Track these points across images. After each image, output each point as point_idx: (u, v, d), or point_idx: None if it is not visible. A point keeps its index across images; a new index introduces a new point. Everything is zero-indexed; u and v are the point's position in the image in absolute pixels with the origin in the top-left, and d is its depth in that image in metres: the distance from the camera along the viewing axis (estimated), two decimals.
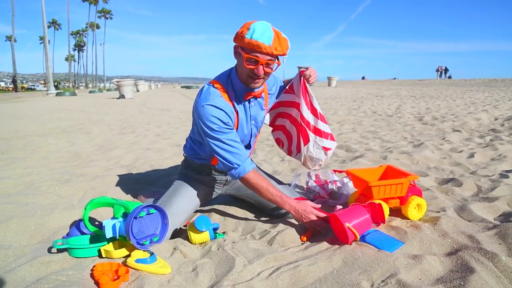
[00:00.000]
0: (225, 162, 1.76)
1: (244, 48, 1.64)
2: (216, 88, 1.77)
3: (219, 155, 1.76)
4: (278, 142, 2.29)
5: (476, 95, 11.78)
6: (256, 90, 1.82)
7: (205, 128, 1.71)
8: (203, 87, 1.81)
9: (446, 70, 35.10)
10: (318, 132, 2.00)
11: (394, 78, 43.24)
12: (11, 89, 45.28)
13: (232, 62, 1.83)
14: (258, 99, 1.91)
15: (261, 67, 1.65)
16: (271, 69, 1.71)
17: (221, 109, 1.71)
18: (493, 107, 7.53)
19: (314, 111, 1.98)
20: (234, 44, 1.70)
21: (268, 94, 2.03)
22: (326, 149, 2.03)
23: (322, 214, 1.81)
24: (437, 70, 35.16)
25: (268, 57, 1.64)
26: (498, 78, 26.46)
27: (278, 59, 1.69)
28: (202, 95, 1.75)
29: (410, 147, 3.88)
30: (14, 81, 46.57)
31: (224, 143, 1.73)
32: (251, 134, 2.00)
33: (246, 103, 1.86)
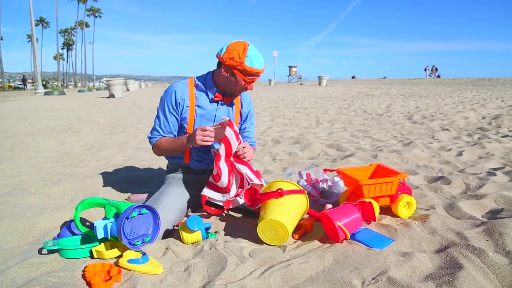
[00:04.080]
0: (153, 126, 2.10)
1: (244, 72, 1.90)
2: (187, 80, 2.08)
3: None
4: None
5: (464, 94, 11.95)
6: (227, 96, 2.07)
7: (162, 97, 2.06)
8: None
9: (436, 69, 35.49)
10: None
11: (384, 77, 43.57)
12: None
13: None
14: (227, 105, 2.12)
15: (252, 84, 1.99)
16: None
17: (175, 92, 2.02)
18: (481, 106, 7.66)
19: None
20: (227, 63, 1.88)
21: (241, 111, 2.20)
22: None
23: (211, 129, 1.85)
24: (425, 70, 35.55)
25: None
26: (486, 77, 26.89)
27: None
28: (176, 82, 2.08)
29: (400, 146, 3.93)
30: (24, 80, 46.49)
31: (159, 114, 2.07)
32: None
33: (214, 103, 2.08)
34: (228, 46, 1.88)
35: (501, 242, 1.55)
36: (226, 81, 1.98)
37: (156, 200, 1.98)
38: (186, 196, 2.07)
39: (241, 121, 2.22)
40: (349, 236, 1.65)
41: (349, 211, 1.72)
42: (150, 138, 2.11)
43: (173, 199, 1.99)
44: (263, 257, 1.57)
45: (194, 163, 2.15)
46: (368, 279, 1.37)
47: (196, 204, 2.15)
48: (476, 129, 4.88)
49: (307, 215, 1.94)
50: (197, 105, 2.05)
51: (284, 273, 1.43)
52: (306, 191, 1.90)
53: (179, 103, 2.02)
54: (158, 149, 2.11)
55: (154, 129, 2.10)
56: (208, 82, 2.05)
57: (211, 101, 2.06)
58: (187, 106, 2.03)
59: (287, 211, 1.72)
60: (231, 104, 2.14)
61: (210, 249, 1.65)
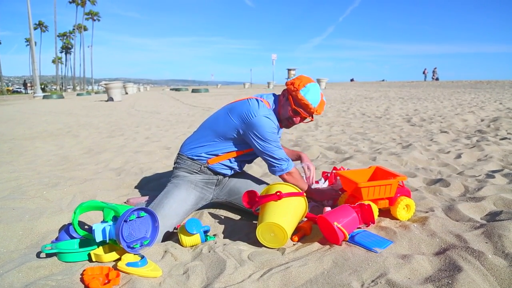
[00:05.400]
0: (275, 159, 2.02)
1: (295, 99, 2.00)
2: (266, 106, 2.05)
3: (270, 155, 2.01)
4: None
5: (463, 96, 11.98)
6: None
7: (264, 134, 1.97)
8: (257, 100, 2.03)
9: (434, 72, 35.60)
10: None
11: (383, 80, 43.65)
12: None
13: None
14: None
15: (299, 119, 2.06)
16: (304, 122, 2.14)
17: (274, 122, 2.02)
18: (479, 109, 7.67)
19: None
20: (286, 87, 2.03)
21: None
22: None
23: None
24: (424, 72, 35.71)
25: (309, 115, 2.05)
26: (484, 80, 26.96)
27: (312, 117, 2.09)
28: (261, 108, 2.00)
29: (399, 148, 3.93)
30: (25, 84, 46.84)
31: (277, 142, 2.03)
32: None
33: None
34: (298, 76, 2.05)
35: (500, 245, 1.54)
36: (281, 106, 2.08)
37: (160, 203, 1.97)
38: (191, 199, 2.05)
39: None
40: (348, 236, 1.65)
41: (345, 211, 1.72)
42: (286, 162, 2.04)
43: (176, 204, 1.98)
44: (262, 260, 1.56)
45: (217, 166, 2.10)
46: (367, 281, 1.37)
47: (200, 205, 2.14)
48: (474, 132, 4.89)
49: (306, 218, 1.94)
50: None
51: (283, 276, 1.43)
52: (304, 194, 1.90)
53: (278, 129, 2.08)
54: (292, 177, 2.08)
55: (281, 158, 2.03)
56: (276, 110, 2.10)
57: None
58: None
59: (286, 214, 1.72)
60: None
61: (209, 252, 1.65)
